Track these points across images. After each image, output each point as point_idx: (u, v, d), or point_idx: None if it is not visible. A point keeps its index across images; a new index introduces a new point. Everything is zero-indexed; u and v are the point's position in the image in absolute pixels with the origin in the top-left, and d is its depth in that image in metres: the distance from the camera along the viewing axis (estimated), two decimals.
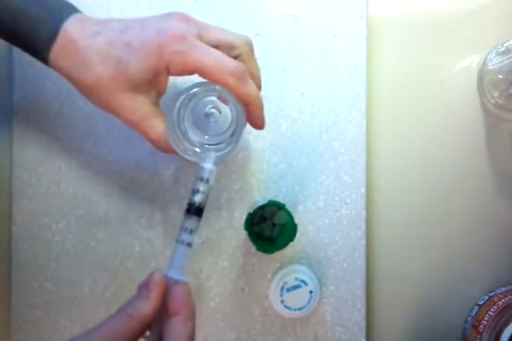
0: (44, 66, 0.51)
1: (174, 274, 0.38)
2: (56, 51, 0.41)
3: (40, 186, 0.52)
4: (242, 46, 0.43)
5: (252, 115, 0.43)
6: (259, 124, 0.45)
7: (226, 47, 0.42)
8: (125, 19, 0.42)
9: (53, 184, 0.52)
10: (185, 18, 0.42)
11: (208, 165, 0.41)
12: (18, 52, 0.51)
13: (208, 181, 0.40)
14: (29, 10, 0.41)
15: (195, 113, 0.42)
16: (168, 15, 0.42)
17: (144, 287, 0.35)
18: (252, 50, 0.44)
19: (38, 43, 0.41)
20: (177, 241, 0.39)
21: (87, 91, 0.42)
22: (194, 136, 0.42)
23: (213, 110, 0.46)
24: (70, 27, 0.40)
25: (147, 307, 0.34)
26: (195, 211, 0.40)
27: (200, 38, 0.41)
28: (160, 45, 0.40)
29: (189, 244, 0.39)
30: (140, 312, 0.34)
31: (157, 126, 0.42)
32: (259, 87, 0.46)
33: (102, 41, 0.40)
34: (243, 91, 0.41)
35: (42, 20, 0.40)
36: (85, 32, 0.40)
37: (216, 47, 0.42)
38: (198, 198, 0.40)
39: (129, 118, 0.42)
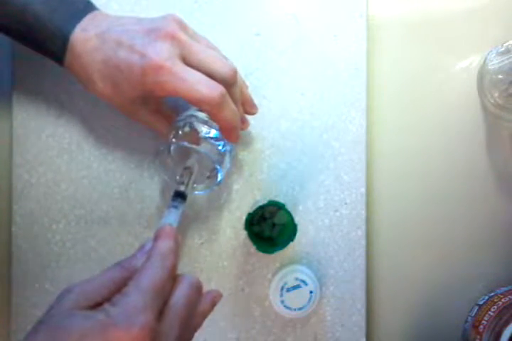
0: (44, 66, 0.51)
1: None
2: (67, 64, 0.45)
3: (40, 186, 0.52)
4: (223, 77, 0.43)
5: (227, 135, 0.45)
6: (232, 141, 0.46)
7: (207, 74, 0.42)
8: (121, 29, 0.43)
9: (53, 184, 0.52)
10: (171, 36, 0.42)
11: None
12: (18, 52, 0.51)
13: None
14: (41, 22, 0.43)
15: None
16: (156, 32, 0.42)
17: (139, 250, 0.39)
18: (233, 80, 0.43)
19: (53, 55, 0.45)
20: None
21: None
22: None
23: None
24: (75, 41, 0.43)
25: (140, 262, 0.37)
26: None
27: (183, 57, 0.42)
28: (142, 74, 0.41)
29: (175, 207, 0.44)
30: (132, 266, 0.37)
31: (160, 127, 0.48)
32: (248, 112, 0.49)
33: (99, 59, 0.43)
34: (217, 117, 0.43)
35: (53, 34, 0.43)
36: (87, 47, 0.43)
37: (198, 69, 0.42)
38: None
39: (138, 121, 0.48)
